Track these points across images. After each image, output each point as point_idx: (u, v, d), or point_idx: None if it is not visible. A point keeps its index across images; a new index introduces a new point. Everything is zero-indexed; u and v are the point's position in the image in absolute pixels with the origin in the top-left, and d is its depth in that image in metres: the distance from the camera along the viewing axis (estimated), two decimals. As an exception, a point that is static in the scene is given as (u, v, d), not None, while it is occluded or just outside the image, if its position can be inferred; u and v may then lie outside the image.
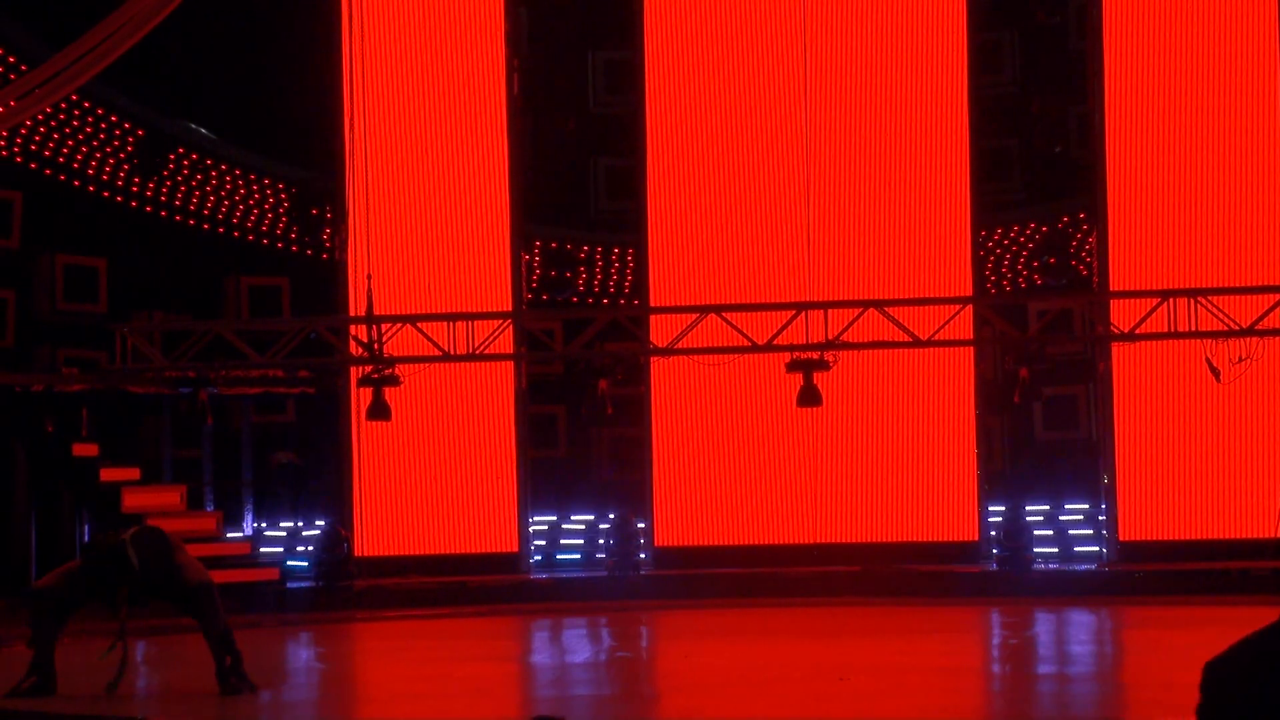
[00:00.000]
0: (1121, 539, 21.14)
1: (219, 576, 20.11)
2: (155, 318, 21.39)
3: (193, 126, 23.23)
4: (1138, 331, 19.02)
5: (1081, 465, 21.93)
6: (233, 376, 20.70)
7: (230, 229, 23.18)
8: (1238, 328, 18.55)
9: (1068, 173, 22.94)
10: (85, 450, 20.60)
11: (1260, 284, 19.71)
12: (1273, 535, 20.40)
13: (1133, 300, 19.66)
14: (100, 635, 13.34)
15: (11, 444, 20.12)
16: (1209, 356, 18.96)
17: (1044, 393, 20.53)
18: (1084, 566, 21.25)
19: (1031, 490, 21.85)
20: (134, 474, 20.79)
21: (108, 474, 20.51)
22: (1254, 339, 18.74)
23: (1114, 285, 20.94)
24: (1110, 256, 21.23)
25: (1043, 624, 17.81)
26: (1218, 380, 18.94)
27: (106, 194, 22.73)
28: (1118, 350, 20.99)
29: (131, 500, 20.39)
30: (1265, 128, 21.05)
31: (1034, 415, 22.28)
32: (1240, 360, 18.81)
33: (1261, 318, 18.55)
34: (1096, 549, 21.57)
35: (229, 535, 21.45)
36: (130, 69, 20.05)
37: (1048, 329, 20.83)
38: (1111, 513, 21.25)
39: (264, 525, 22.47)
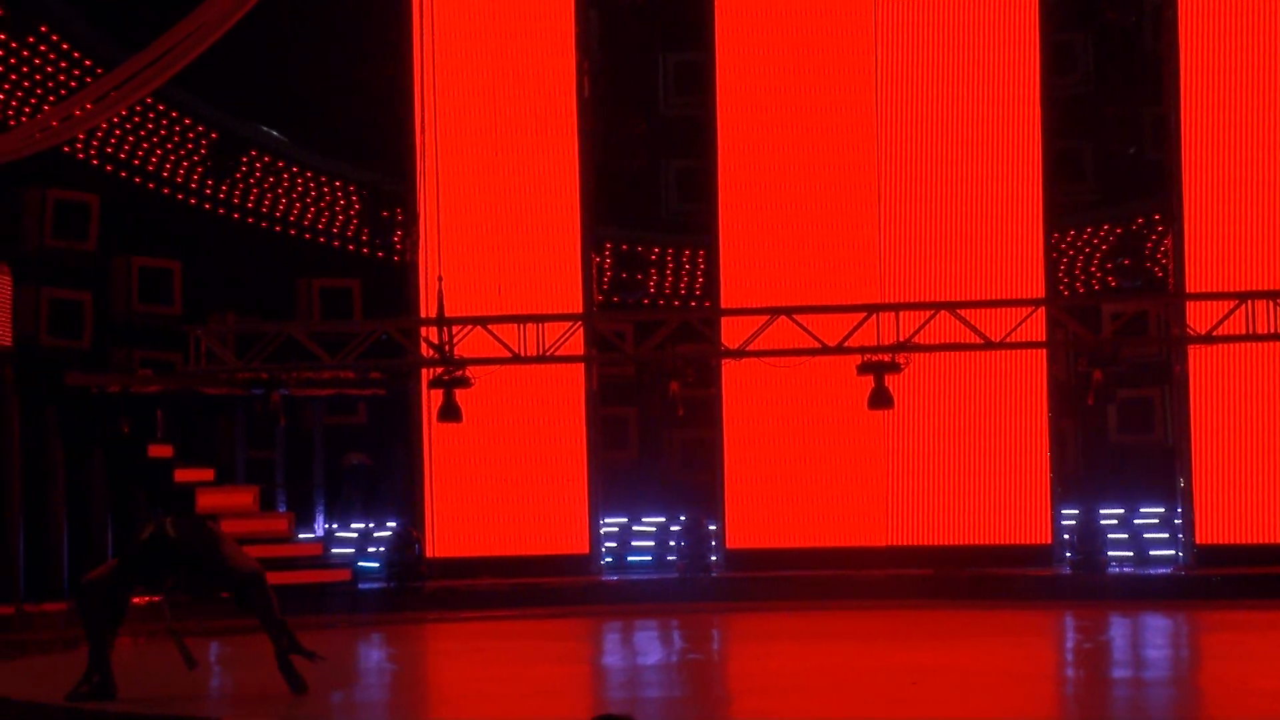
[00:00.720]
0: (1198, 542, 20.95)
1: (291, 578, 20.33)
2: (229, 320, 21.51)
3: (265, 129, 23.37)
4: (1214, 334, 18.84)
5: (1156, 468, 21.73)
6: (304, 378, 20.78)
7: (302, 231, 23.31)
8: (1317, 329, 18.33)
9: (1142, 174, 22.75)
10: (160, 451, 20.76)
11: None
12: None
13: (1209, 302, 19.47)
14: (161, 636, 13.40)
15: (89, 445, 20.27)
16: (1287, 359, 18.76)
17: (1118, 395, 20.37)
18: (1159, 570, 21.06)
19: (1105, 493, 21.67)
20: (208, 475, 20.92)
21: (182, 475, 20.66)
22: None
23: (1190, 287, 20.75)
24: (1186, 258, 21.03)
25: (1117, 628, 17.66)
26: (1295, 382, 18.73)
27: (181, 196, 22.90)
28: (1194, 352, 20.80)
29: (205, 501, 20.53)
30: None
31: (1108, 418, 22.11)
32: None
33: (1342, 320, 18.33)
34: (1172, 552, 21.38)
35: (301, 536, 21.55)
36: (203, 72, 20.18)
37: (1122, 331, 20.66)
38: (1188, 516, 21.06)
39: (335, 526, 22.56)
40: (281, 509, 21.98)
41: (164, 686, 13.28)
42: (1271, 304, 18.50)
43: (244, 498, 21.02)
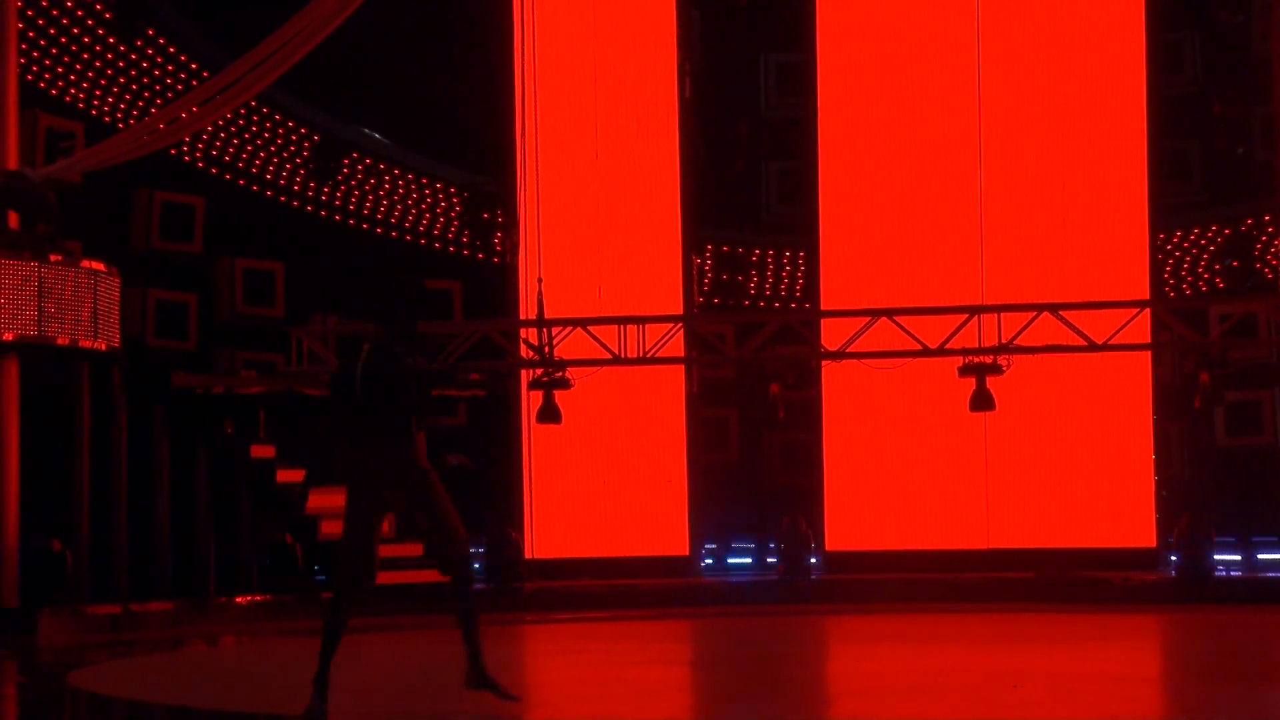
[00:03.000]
0: (1307, 547, 20.66)
1: (392, 578, 20.45)
2: (330, 321, 21.67)
3: (366, 132, 23.53)
4: (1324, 335, 18.58)
5: (1266, 471, 21.44)
6: (405, 379, 20.86)
7: (403, 233, 23.45)
8: None
9: (1251, 174, 22.47)
10: (263, 452, 20.93)
11: None
12: None
13: (1319, 303, 19.20)
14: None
15: (194, 446, 20.48)
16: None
17: (1226, 398, 20.11)
18: (1268, 575, 20.77)
19: (1212, 497, 21.41)
20: (309, 476, 21.07)
21: (284, 475, 20.81)
22: None
23: (1299, 288, 20.48)
24: (1295, 259, 20.76)
25: (1224, 632, 17.41)
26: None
27: (283, 199, 23.11)
28: (1303, 354, 20.53)
29: (307, 501, 20.68)
30: None
31: (1215, 421, 21.83)
32: None
33: None
34: (1280, 557, 21.11)
35: (401, 537, 21.64)
36: (305, 75, 20.34)
37: (1230, 333, 20.40)
38: (1297, 520, 20.77)
39: (436, 527, 22.62)
40: (383, 510, 22.06)
41: (266, 685, 13.35)
42: (1383, 305, 18.23)
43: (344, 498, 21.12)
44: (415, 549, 21.51)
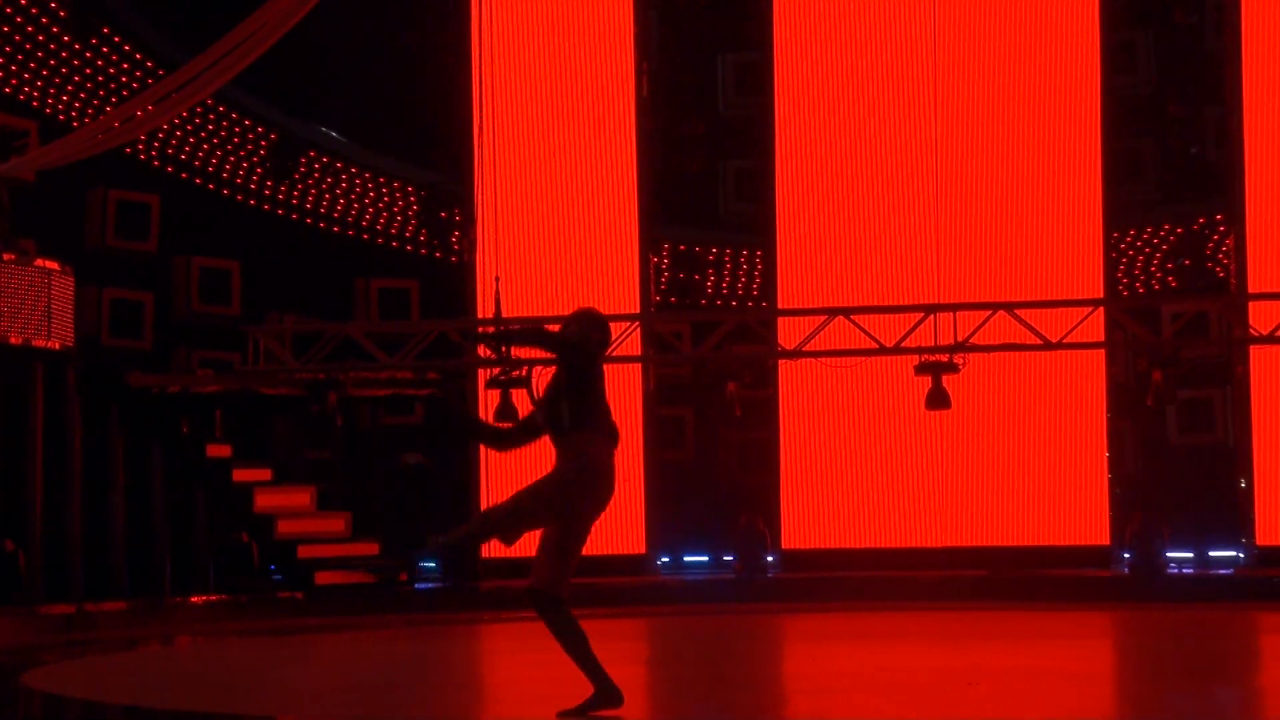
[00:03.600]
0: (1259, 543, 20.81)
1: (348, 577, 20.45)
2: (287, 320, 21.64)
3: (324, 130, 23.50)
4: (1277, 334, 18.71)
5: (1217, 469, 21.60)
6: (362, 378, 20.89)
7: (360, 232, 23.43)
8: (1379, 330, 18.20)
9: (1203, 174, 22.62)
10: (219, 451, 20.89)
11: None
12: None
13: (1271, 302, 19.33)
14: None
15: (149, 445, 20.42)
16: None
17: (1178, 396, 20.25)
18: (1219, 571, 20.92)
19: (1164, 495, 21.55)
20: (266, 475, 21.05)
21: (240, 474, 20.77)
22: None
23: (1252, 287, 20.62)
24: (1248, 258, 20.90)
25: (1176, 629, 17.54)
26: (1358, 383, 18.60)
27: (240, 197, 23.05)
28: (1255, 353, 20.67)
29: (263, 500, 20.67)
30: None
31: (1168, 419, 21.98)
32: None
33: (1403, 320, 18.20)
34: (1232, 554, 21.24)
35: (357, 536, 21.63)
36: (263, 73, 20.30)
37: (1183, 332, 20.54)
38: (1248, 517, 20.91)
39: (392, 526, 22.65)
40: (339, 509, 22.08)
41: (222, 685, 13.33)
42: (1334, 304, 18.37)
43: (301, 497, 21.14)
44: (371, 548, 21.50)
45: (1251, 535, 20.85)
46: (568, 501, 10.37)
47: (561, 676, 13.79)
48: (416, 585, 20.95)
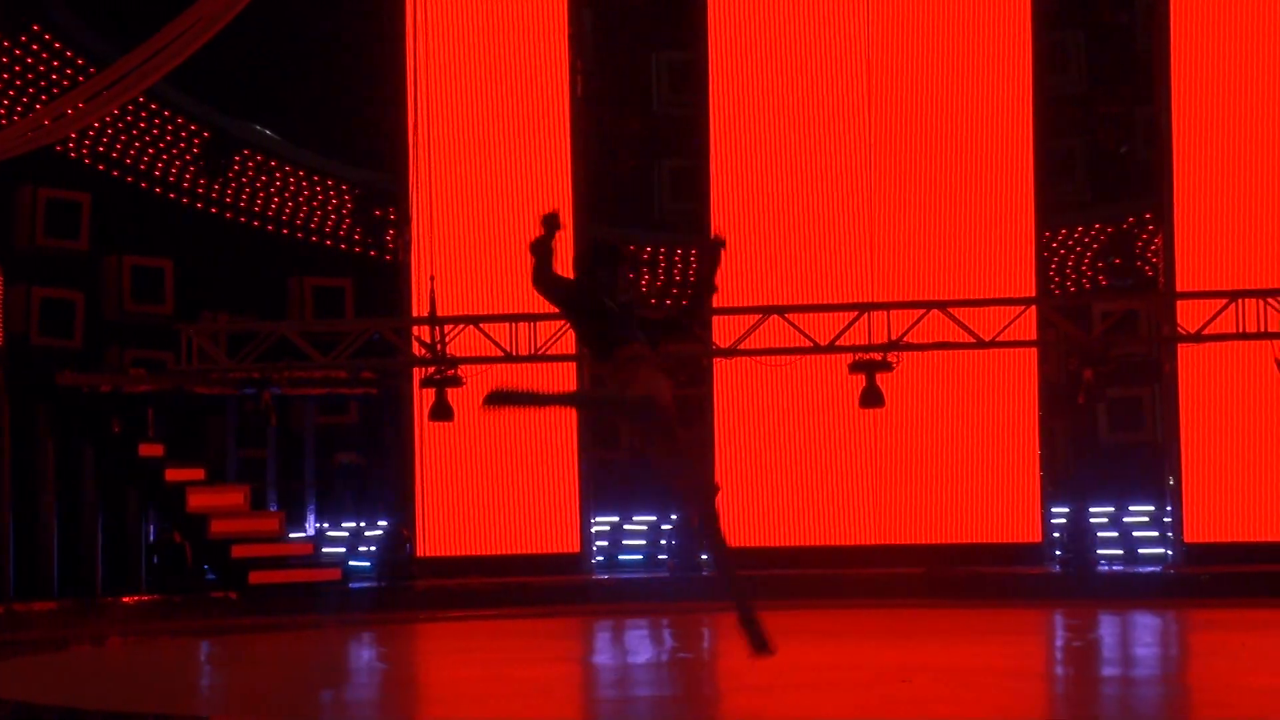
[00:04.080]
0: (1187, 541, 20.99)
1: (282, 577, 20.37)
2: (220, 319, 21.54)
3: (258, 128, 23.39)
4: (1204, 332, 18.88)
5: (1146, 467, 21.78)
6: (296, 377, 20.81)
7: (295, 230, 23.34)
8: (1306, 328, 18.41)
9: (1134, 173, 22.80)
10: (151, 451, 20.75)
11: (1329, 284, 19.60)
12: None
13: (1199, 301, 19.51)
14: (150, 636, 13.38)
15: (80, 445, 20.29)
16: (1277, 357, 18.82)
17: (1108, 394, 20.40)
18: (1149, 569, 21.10)
19: (1095, 492, 21.71)
20: (199, 474, 20.92)
21: (173, 474, 20.65)
22: (1322, 340, 18.60)
23: (1180, 286, 20.79)
24: (1177, 257, 21.08)
25: (1107, 626, 17.69)
26: (1285, 381, 18.81)
27: (173, 195, 22.92)
28: (1184, 351, 20.85)
29: (196, 500, 20.53)
30: (1334, 126, 20.89)
31: (1098, 417, 22.15)
32: (1308, 361, 18.69)
33: (1330, 319, 18.41)
34: (1161, 551, 21.42)
35: (291, 535, 21.56)
36: (196, 70, 20.21)
37: (1113, 330, 20.70)
38: (1177, 515, 21.10)
39: (326, 526, 22.58)
40: (273, 508, 22.00)
41: (154, 685, 13.26)
42: (1261, 303, 18.55)
43: (235, 497, 21.02)
44: (306, 548, 21.43)
45: (1180, 532, 21.03)
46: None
47: (498, 675, 13.79)
48: (352, 585, 20.88)
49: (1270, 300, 18.48)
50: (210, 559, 20.43)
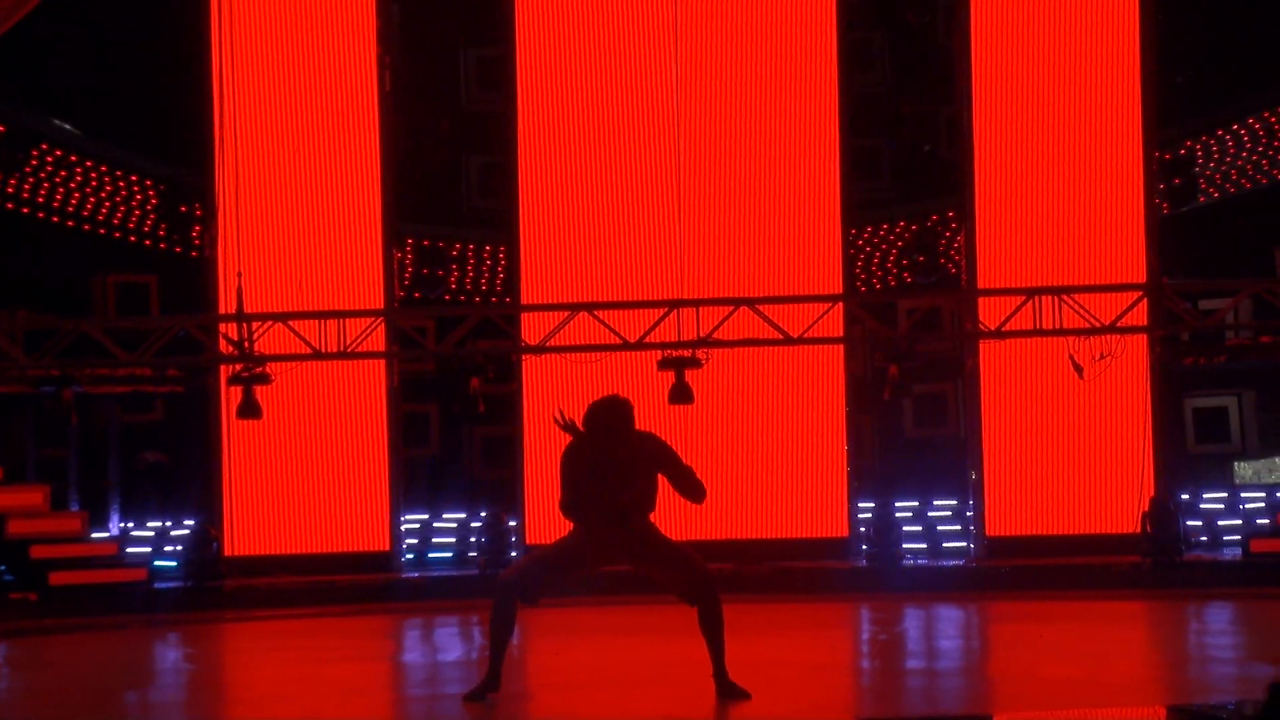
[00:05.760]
0: (989, 534, 21.42)
1: (85, 577, 20.01)
2: (18, 316, 21.07)
3: (56, 122, 22.93)
4: (1004, 329, 19.27)
5: (950, 462, 22.18)
6: (99, 375, 20.44)
7: (97, 226, 22.91)
8: (1099, 325, 18.86)
9: (936, 172, 23.19)
10: (-52, 450, 20.28)
11: (1121, 282, 20.10)
12: (1134, 530, 20.74)
13: (999, 298, 19.90)
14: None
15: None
16: (1072, 354, 19.26)
17: (914, 390, 20.73)
18: (952, 562, 21.49)
19: (901, 487, 22.06)
20: (-3, 474, 20.48)
21: (-27, 474, 20.20)
22: (1114, 336, 19.07)
23: (981, 283, 21.20)
24: (978, 255, 21.49)
25: (911, 619, 17.99)
26: (1080, 377, 19.24)
27: (-33, 190, 22.40)
28: (985, 348, 21.27)
29: (-6, 501, 20.11)
30: (1126, 130, 21.43)
31: (904, 412, 22.50)
32: (1101, 357, 19.15)
33: (1122, 315, 18.89)
34: (964, 545, 21.82)
35: (95, 535, 21.20)
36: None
37: (917, 327, 21.04)
38: (979, 509, 21.52)
39: (131, 525, 22.23)
40: (74, 508, 21.61)
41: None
42: (1057, 300, 18.97)
43: (34, 497, 20.62)
44: (110, 548, 21.08)
45: (981, 526, 21.45)
46: None
47: (307, 675, 13.68)
48: (157, 585, 20.57)
49: (1065, 298, 18.91)
50: (8, 560, 20.02)
